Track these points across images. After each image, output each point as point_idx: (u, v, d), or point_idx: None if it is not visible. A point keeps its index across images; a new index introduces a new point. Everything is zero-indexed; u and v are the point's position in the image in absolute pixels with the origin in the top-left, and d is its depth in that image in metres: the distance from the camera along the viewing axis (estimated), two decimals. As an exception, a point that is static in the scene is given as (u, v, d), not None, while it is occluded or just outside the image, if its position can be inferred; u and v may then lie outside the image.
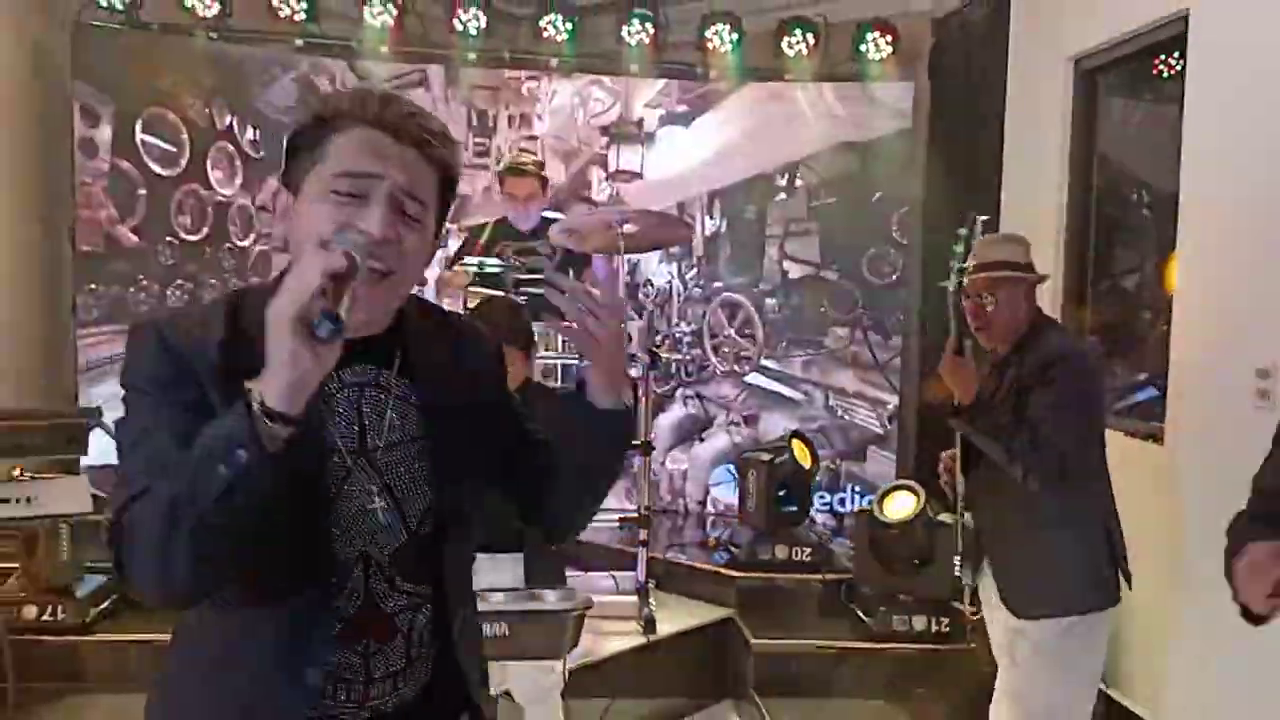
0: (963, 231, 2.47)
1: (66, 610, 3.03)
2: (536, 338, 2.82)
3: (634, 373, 3.62)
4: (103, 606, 3.14)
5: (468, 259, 3.93)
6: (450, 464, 1.22)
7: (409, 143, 1.13)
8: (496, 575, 2.63)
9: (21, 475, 1.94)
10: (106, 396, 3.67)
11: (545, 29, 4.64)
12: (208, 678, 1.17)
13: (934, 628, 3.58)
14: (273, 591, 1.12)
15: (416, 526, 1.20)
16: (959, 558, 2.52)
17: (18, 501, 1.96)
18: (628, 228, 3.68)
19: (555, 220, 4.04)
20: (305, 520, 1.10)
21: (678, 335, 4.97)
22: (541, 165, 4.30)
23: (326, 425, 1.15)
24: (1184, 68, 2.99)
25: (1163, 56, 3.38)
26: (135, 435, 1.09)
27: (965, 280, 2.42)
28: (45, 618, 3.01)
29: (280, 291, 0.98)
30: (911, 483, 3.61)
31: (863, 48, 4.72)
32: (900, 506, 3.55)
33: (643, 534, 3.66)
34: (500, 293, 3.64)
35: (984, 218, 2.50)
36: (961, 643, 3.47)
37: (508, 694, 2.81)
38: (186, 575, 1.01)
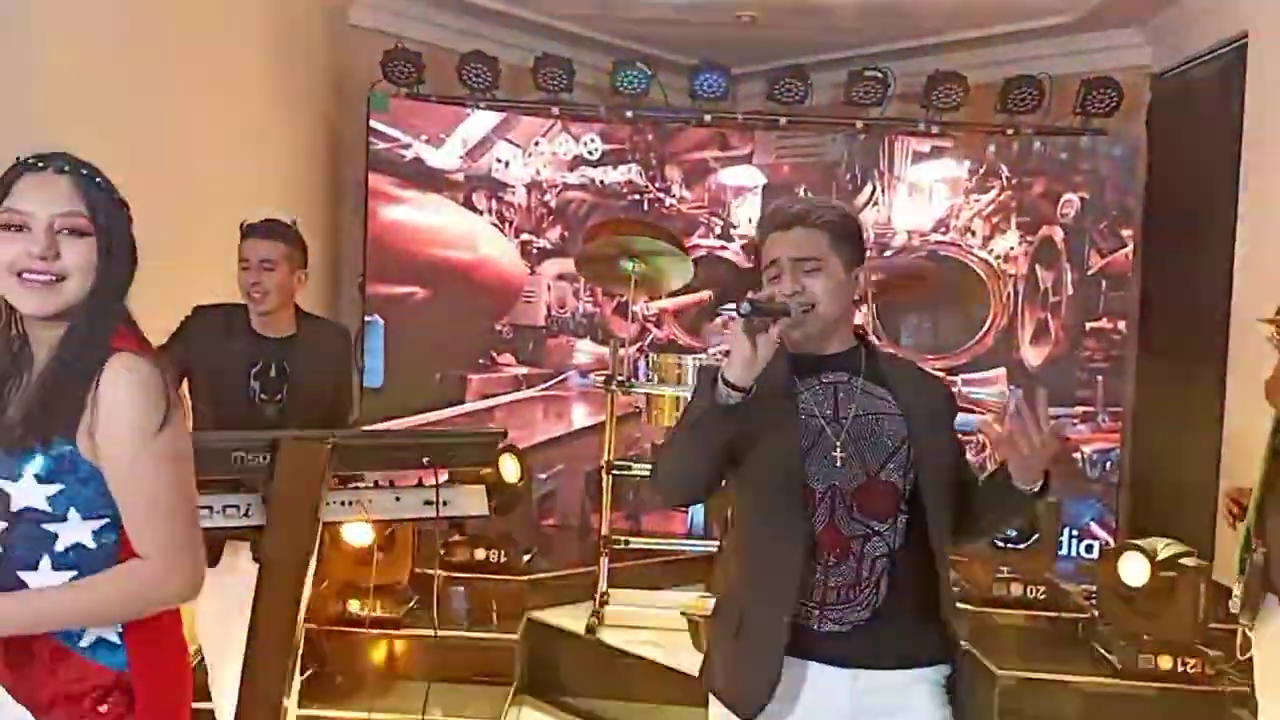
0: None
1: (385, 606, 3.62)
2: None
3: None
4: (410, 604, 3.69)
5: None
6: (911, 431, 1.65)
7: (794, 225, 1.69)
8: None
9: (439, 482, 2.37)
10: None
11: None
12: (729, 615, 1.69)
13: (1179, 667, 3.66)
14: (769, 510, 1.65)
15: (876, 472, 1.62)
16: (1237, 599, 2.61)
17: (430, 504, 2.40)
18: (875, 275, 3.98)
19: None
20: (787, 461, 1.62)
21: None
22: None
23: (809, 403, 1.66)
24: None
25: None
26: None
27: None
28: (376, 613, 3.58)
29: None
30: (1141, 544, 3.69)
31: (1087, 103, 4.89)
32: (1134, 574, 3.63)
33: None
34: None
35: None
36: (1208, 684, 3.55)
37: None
38: (686, 476, 1.63)
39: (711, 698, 1.74)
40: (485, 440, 2.53)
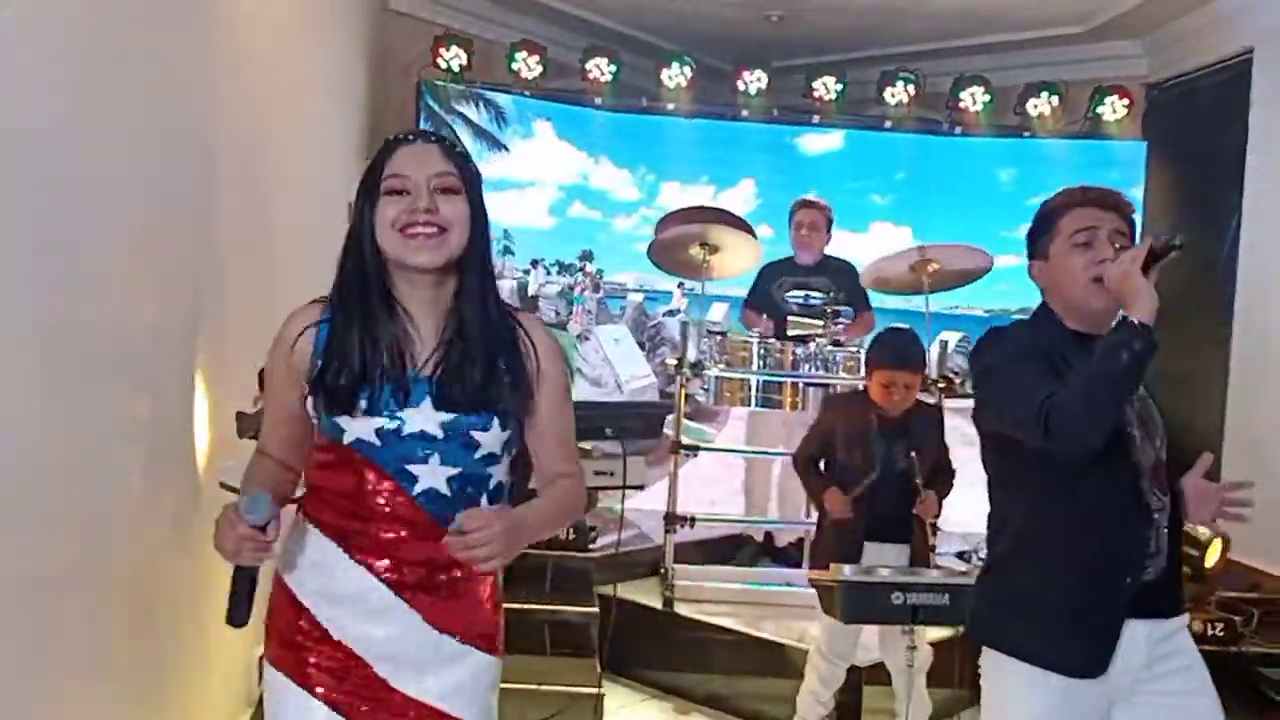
0: None
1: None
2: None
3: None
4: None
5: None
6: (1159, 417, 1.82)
7: (1110, 209, 1.80)
8: (881, 558, 3.15)
9: (625, 453, 2.50)
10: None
11: (817, 88, 5.20)
12: (1067, 554, 1.79)
13: (1208, 630, 3.93)
14: (1116, 496, 1.77)
15: (1156, 453, 1.79)
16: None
17: (601, 474, 2.52)
18: (932, 266, 4.17)
19: (836, 260, 4.55)
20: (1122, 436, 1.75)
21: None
22: (828, 206, 4.76)
23: None
24: None
25: None
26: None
27: None
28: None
29: (1118, 261, 1.70)
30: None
31: (1100, 109, 5.22)
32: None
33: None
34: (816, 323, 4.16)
35: None
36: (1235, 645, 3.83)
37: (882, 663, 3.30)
38: (1105, 424, 1.65)
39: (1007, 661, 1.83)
40: (654, 412, 2.65)
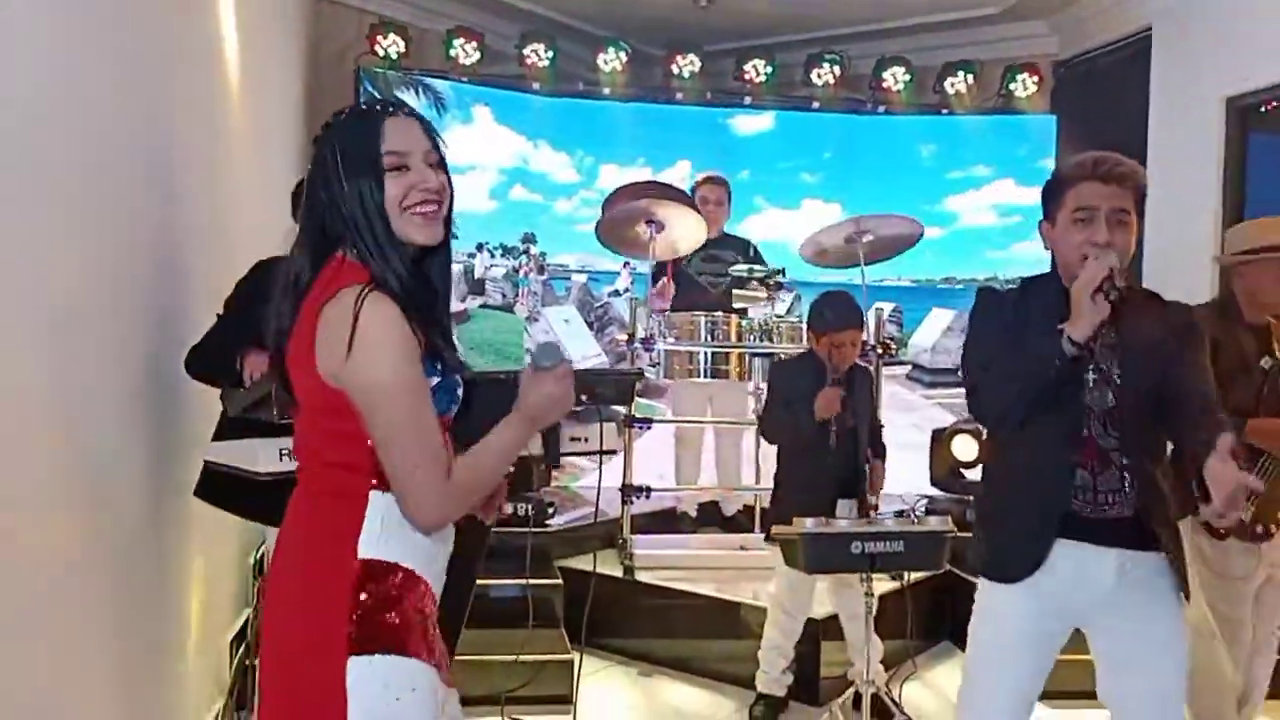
0: None
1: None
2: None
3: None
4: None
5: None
6: (1129, 365, 1.98)
7: (1113, 182, 1.93)
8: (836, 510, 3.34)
9: (601, 420, 2.60)
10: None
11: (748, 71, 5.37)
12: (1013, 485, 2.02)
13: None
14: (1055, 435, 1.95)
15: (1118, 396, 1.96)
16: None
17: (576, 439, 2.63)
18: (867, 238, 4.36)
19: (736, 237, 4.74)
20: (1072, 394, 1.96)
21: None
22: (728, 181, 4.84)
23: None
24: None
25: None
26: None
27: None
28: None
29: (1082, 275, 1.84)
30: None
31: (1012, 86, 5.49)
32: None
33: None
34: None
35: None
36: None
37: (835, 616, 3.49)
38: (1019, 412, 1.93)
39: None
40: (626, 378, 2.77)
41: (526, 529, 4.14)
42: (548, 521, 4.33)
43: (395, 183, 1.47)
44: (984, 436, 2.23)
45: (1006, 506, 2.06)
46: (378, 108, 1.52)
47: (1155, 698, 1.96)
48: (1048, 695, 2.15)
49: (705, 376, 4.30)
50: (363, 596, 1.43)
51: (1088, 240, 1.92)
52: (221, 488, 2.39)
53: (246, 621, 3.29)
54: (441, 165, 1.52)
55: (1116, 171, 1.94)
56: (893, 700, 3.30)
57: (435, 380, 1.49)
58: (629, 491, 4.29)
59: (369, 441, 1.45)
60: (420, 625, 1.48)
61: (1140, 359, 1.97)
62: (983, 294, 2.10)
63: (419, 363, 1.45)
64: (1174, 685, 1.96)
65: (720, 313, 4.28)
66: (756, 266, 4.50)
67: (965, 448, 4.33)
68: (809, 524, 2.96)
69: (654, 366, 4.27)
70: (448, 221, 1.54)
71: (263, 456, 2.17)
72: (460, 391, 1.55)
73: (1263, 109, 4.48)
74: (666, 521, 4.80)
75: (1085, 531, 1.95)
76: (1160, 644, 1.97)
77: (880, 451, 3.47)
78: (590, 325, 5.65)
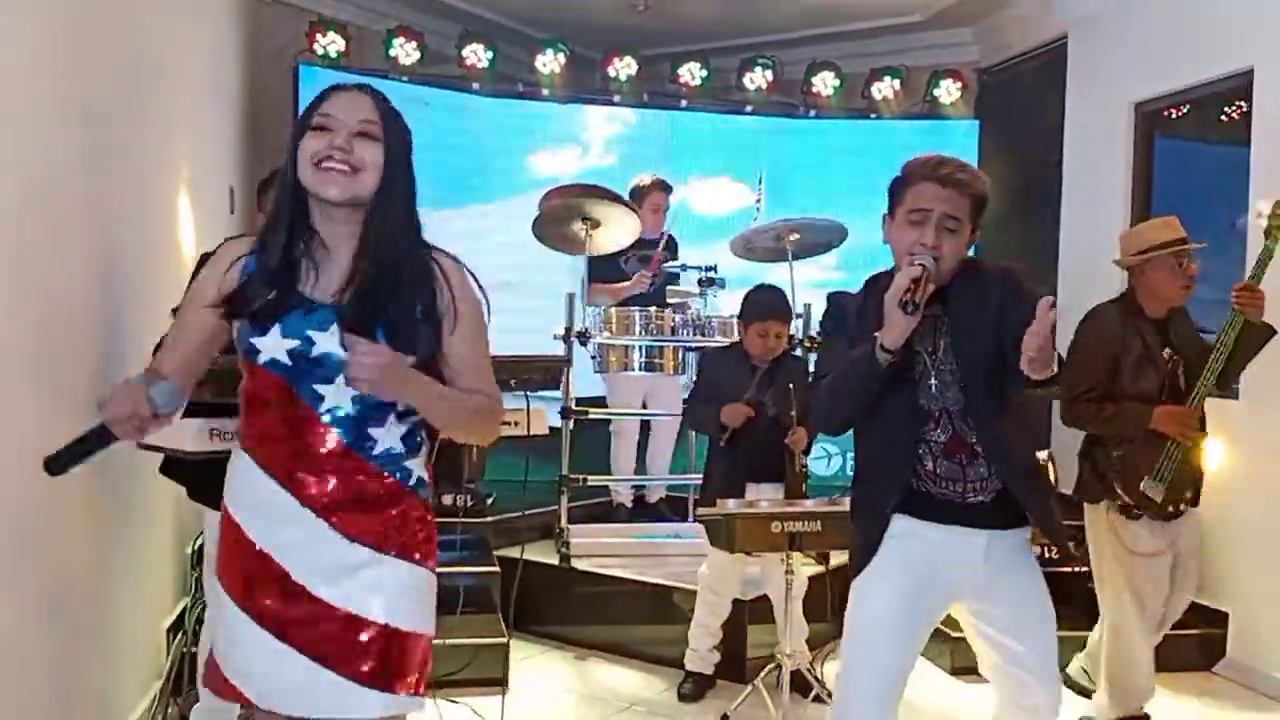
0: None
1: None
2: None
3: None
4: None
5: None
6: (966, 362, 2.07)
7: (951, 187, 1.99)
8: (759, 495, 3.47)
9: (529, 406, 2.70)
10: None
11: (682, 74, 5.51)
12: (866, 474, 2.16)
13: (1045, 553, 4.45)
14: (897, 427, 2.06)
15: (966, 395, 2.06)
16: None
17: (508, 424, 2.73)
18: (793, 236, 4.53)
19: (671, 238, 4.88)
20: (907, 388, 2.04)
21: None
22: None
23: (917, 345, 2.04)
24: (1248, 113, 4.00)
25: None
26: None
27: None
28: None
29: (892, 284, 1.92)
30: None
31: (936, 91, 5.71)
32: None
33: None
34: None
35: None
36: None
37: (765, 596, 3.63)
38: (840, 415, 2.09)
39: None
40: (553, 363, 2.88)
41: (458, 518, 4.26)
42: (482, 510, 4.42)
43: (314, 139, 1.62)
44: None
45: (856, 499, 2.21)
46: (342, 84, 1.68)
47: (1033, 665, 2.10)
48: (964, 671, 2.26)
49: (640, 370, 4.43)
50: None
51: (917, 241, 1.96)
52: (176, 467, 2.46)
53: (184, 610, 3.33)
54: (377, 139, 1.63)
55: (954, 177, 1.96)
56: (815, 677, 3.45)
57: (259, 337, 1.61)
58: (565, 482, 4.41)
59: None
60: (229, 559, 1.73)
61: (973, 344, 2.03)
62: (829, 300, 2.17)
63: (211, 282, 1.66)
64: (1049, 653, 2.11)
65: (654, 307, 4.41)
66: (690, 265, 4.66)
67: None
68: (731, 505, 3.10)
69: (592, 359, 4.43)
70: (383, 191, 1.63)
71: (191, 437, 2.23)
72: (292, 352, 1.61)
73: (1168, 114, 4.73)
74: (604, 512, 4.94)
75: (955, 516, 2.05)
76: (1032, 623, 2.09)
77: (811, 425, 3.57)
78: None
